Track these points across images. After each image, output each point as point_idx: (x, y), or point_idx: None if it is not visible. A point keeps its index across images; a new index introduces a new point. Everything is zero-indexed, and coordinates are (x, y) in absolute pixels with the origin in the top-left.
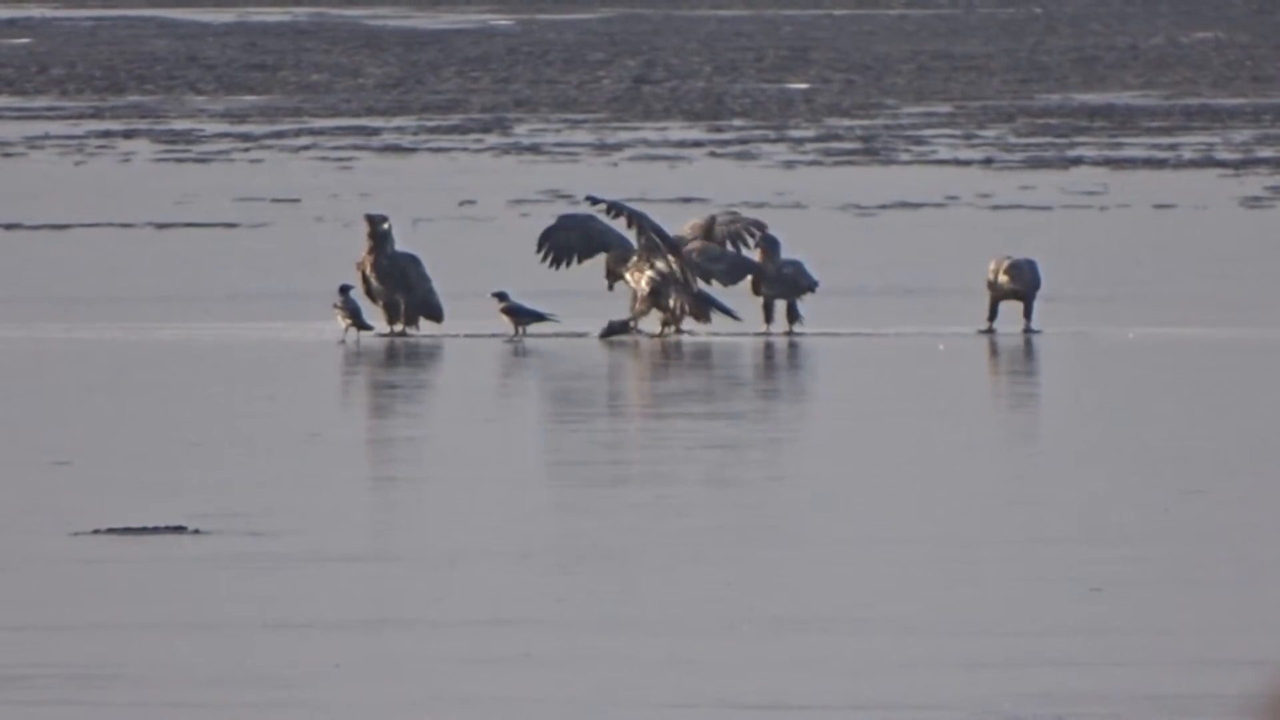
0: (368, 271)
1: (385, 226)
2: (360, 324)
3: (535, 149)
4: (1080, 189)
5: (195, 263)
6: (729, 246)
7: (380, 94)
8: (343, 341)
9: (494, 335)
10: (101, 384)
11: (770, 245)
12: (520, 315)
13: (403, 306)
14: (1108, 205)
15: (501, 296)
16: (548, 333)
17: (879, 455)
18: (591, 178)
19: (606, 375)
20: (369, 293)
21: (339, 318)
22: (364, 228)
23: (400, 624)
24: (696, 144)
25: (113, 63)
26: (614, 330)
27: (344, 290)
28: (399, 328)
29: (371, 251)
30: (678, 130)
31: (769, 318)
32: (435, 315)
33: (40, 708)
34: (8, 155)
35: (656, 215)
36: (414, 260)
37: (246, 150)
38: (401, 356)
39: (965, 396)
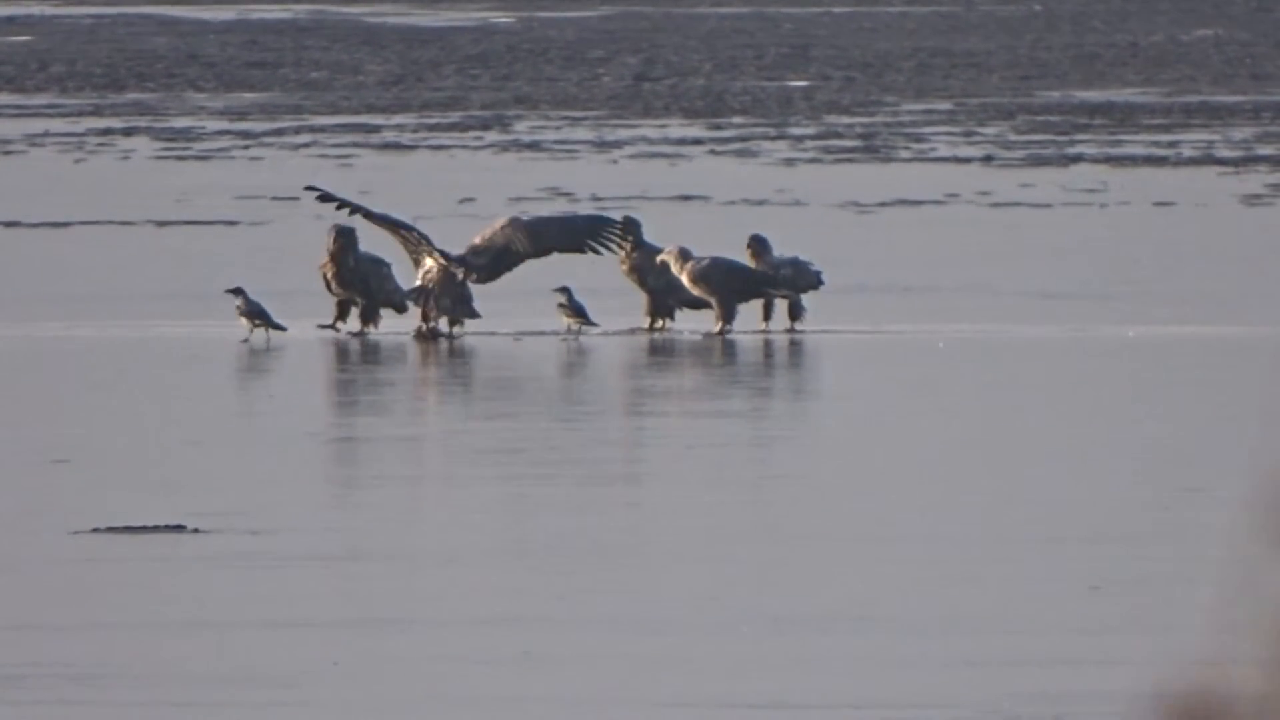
0: (329, 276)
1: (341, 241)
2: (270, 324)
3: (535, 146)
4: (1080, 186)
5: (195, 260)
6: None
7: (380, 91)
8: (245, 341)
9: (490, 334)
10: (101, 382)
11: (760, 245)
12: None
13: (361, 307)
14: (1108, 203)
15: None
16: (545, 331)
17: (879, 454)
18: (591, 175)
19: (605, 373)
20: (330, 291)
21: (242, 320)
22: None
23: (399, 623)
24: (697, 141)
25: (113, 60)
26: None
27: (238, 293)
28: (342, 326)
29: (333, 260)
30: (678, 127)
31: (768, 315)
32: (397, 308)
33: (38, 707)
34: (8, 153)
35: (656, 213)
36: (379, 264)
37: (246, 148)
38: (401, 355)
39: (965, 395)
